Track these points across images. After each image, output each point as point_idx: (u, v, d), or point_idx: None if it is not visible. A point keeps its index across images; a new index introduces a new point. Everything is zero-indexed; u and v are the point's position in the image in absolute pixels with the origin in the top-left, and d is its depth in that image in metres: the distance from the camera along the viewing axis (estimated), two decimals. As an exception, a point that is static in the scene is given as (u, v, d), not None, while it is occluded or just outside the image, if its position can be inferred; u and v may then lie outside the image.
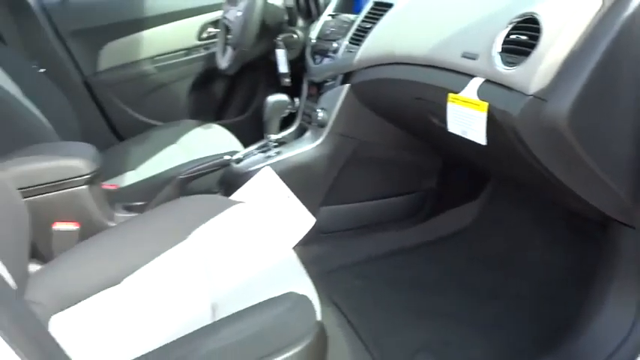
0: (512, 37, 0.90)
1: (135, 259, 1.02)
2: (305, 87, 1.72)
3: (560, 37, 0.82)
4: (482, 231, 1.61)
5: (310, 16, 1.82)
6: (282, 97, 1.46)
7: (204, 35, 2.14)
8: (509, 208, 1.60)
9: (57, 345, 0.54)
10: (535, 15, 0.86)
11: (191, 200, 1.23)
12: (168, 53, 2.11)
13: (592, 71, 0.79)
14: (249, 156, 1.51)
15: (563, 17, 0.83)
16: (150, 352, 0.78)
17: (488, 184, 1.64)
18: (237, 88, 2.28)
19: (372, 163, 1.52)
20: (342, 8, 1.66)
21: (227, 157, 1.52)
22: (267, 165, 1.42)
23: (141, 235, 1.11)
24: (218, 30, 2.00)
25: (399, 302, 1.36)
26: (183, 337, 0.80)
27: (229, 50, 1.82)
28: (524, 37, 0.87)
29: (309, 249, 1.42)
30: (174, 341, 0.80)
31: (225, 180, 1.52)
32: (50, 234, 1.22)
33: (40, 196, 1.18)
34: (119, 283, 0.99)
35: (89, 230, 1.22)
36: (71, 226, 1.23)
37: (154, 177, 1.56)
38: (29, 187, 1.15)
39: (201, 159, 1.59)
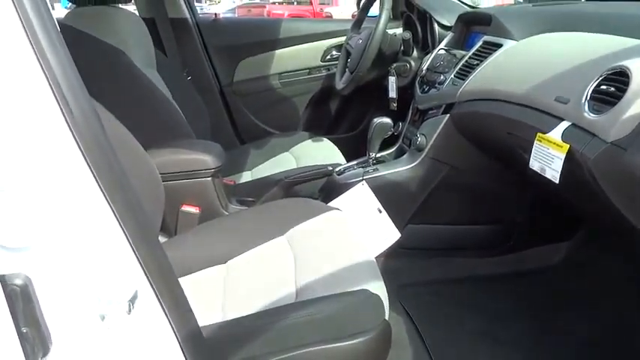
0: (603, 87, 0.95)
1: (240, 244, 1.18)
2: (410, 113, 1.83)
3: (645, 91, 0.86)
4: (567, 273, 1.58)
5: (426, 49, 1.94)
6: (387, 120, 1.57)
7: (327, 57, 2.35)
8: (600, 256, 1.56)
9: (185, 296, 0.72)
10: (625, 69, 0.90)
11: (294, 202, 1.39)
12: (293, 71, 2.35)
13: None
14: (349, 169, 1.65)
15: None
16: (243, 317, 0.95)
17: (582, 228, 1.61)
18: (348, 108, 2.45)
19: (461, 190, 1.58)
20: (455, 44, 1.75)
21: (330, 168, 1.67)
22: (364, 179, 1.55)
23: (248, 225, 1.28)
24: (340, 54, 2.19)
25: (468, 323, 1.40)
26: (270, 309, 0.96)
27: (347, 73, 1.98)
28: (612, 88, 0.92)
29: (390, 261, 1.51)
30: (262, 311, 0.95)
31: (326, 188, 1.67)
32: (177, 214, 1.46)
33: (174, 181, 1.42)
34: (224, 262, 1.16)
35: (208, 215, 1.44)
36: (194, 210, 1.46)
37: (265, 178, 1.75)
38: (167, 173, 1.39)
39: (304, 167, 1.74)
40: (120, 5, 1.70)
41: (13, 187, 0.53)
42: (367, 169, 1.61)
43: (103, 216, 0.58)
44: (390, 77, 1.87)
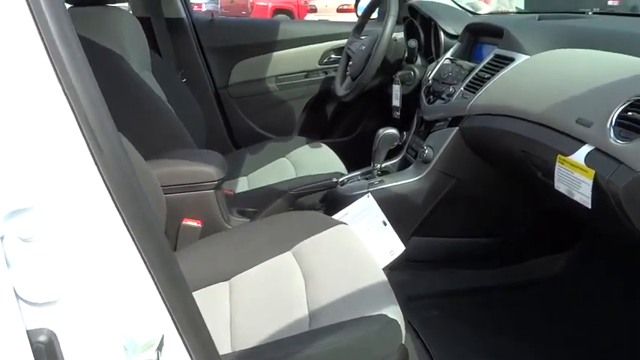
0: (629, 113, 0.93)
1: (244, 261, 1.14)
2: (415, 123, 1.80)
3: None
4: (567, 284, 1.59)
5: (429, 56, 1.91)
6: (393, 130, 1.53)
7: (325, 60, 2.31)
8: (600, 266, 1.57)
9: (212, 340, 0.67)
10: (655, 96, 0.89)
11: (299, 215, 1.36)
12: (290, 74, 2.30)
13: None
14: (353, 180, 1.61)
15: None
16: (263, 346, 0.91)
17: (582, 239, 1.62)
18: (345, 112, 2.41)
19: (467, 202, 1.56)
20: (462, 55, 1.72)
21: (334, 180, 1.63)
22: (369, 192, 1.51)
23: (252, 240, 1.23)
24: (339, 57, 2.14)
25: (473, 339, 1.39)
26: (280, 340, 0.91)
27: (348, 79, 1.94)
28: (640, 115, 0.90)
29: (395, 274, 1.49)
30: (272, 342, 0.91)
31: (329, 199, 1.63)
32: (178, 228, 1.40)
33: (176, 194, 1.36)
34: (228, 280, 1.12)
35: (209, 228, 1.39)
36: (196, 224, 1.40)
37: (265, 187, 1.71)
38: (169, 185, 1.33)
39: (307, 177, 1.70)
40: (114, 5, 1.63)
41: (40, 239, 0.48)
42: (372, 180, 1.57)
43: (133, 265, 0.54)
44: (394, 85, 1.83)
